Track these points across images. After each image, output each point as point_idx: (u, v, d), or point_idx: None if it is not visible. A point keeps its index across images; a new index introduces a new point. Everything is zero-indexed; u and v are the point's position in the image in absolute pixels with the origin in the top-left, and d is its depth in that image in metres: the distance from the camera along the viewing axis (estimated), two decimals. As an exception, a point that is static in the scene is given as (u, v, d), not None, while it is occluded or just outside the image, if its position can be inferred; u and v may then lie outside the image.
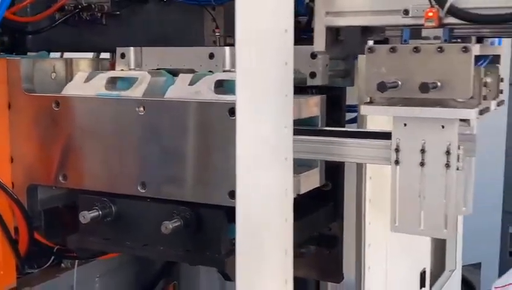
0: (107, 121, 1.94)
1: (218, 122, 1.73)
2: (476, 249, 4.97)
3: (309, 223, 2.41)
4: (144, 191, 1.89)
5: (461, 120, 1.86)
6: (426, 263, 3.01)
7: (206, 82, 1.87)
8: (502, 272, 4.50)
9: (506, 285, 3.63)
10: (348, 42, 1.69)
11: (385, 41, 1.78)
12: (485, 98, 1.61)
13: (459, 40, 1.58)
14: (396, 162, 1.68)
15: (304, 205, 2.37)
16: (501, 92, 1.80)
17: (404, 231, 1.71)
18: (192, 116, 1.78)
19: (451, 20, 1.56)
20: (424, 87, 1.47)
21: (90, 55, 2.85)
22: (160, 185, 1.87)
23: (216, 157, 1.76)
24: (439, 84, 1.51)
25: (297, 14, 2.38)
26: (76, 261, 2.50)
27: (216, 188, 1.78)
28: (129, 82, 2.03)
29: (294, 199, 2.21)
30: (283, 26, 1.55)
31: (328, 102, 2.16)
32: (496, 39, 1.87)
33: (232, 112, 1.65)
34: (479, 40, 1.68)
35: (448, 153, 1.61)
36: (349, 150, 1.76)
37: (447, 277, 3.69)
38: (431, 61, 1.53)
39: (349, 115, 2.35)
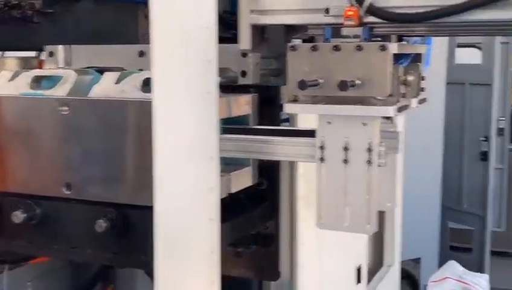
0: (30, 121, 1.89)
1: (143, 121, 1.70)
2: (416, 244, 5.09)
3: (245, 222, 2.41)
4: (68, 192, 1.85)
5: (385, 118, 1.90)
6: (362, 259, 3.05)
7: (132, 80, 1.85)
8: (441, 266, 4.63)
9: (442, 279, 3.74)
10: (273, 41, 1.70)
11: (311, 40, 1.79)
12: (404, 95, 1.64)
13: (378, 38, 1.61)
14: (321, 159, 1.69)
15: (240, 204, 2.38)
16: (422, 90, 1.83)
17: (329, 228, 1.73)
18: (117, 115, 1.75)
19: (370, 19, 1.58)
20: (343, 85, 1.49)
21: (24, 54, 2.78)
22: (86, 186, 1.84)
23: (142, 157, 1.73)
24: (358, 82, 1.53)
25: (232, 12, 2.39)
26: (7, 265, 2.44)
27: (142, 188, 1.75)
28: (54, 81, 1.99)
29: (230, 198, 2.22)
30: (205, 24, 1.54)
31: (263, 101, 2.16)
32: (419, 38, 1.91)
33: None
34: (400, 39, 1.71)
35: (370, 150, 1.63)
36: (277, 148, 1.77)
37: (384, 272, 3.75)
38: (351, 60, 1.55)
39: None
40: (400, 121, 1.88)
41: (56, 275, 2.74)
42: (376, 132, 1.63)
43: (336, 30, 1.62)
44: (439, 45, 4.86)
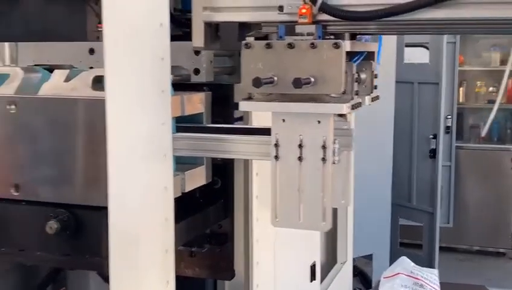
0: (-23, 120, 1.83)
1: (94, 119, 1.66)
2: (368, 241, 5.17)
3: (198, 221, 2.39)
4: (17, 194, 1.79)
5: (338, 115, 1.92)
6: (316, 256, 3.07)
7: (82, 78, 1.79)
8: (392, 262, 4.71)
9: (394, 274, 3.80)
10: (225, 38, 1.69)
11: (266, 37, 1.78)
12: (357, 93, 1.66)
13: (332, 36, 1.62)
14: (276, 157, 1.69)
15: (193, 203, 2.36)
16: (375, 87, 1.86)
17: (284, 226, 1.73)
18: (67, 114, 1.71)
19: (323, 17, 1.59)
20: (297, 83, 1.49)
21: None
22: (35, 187, 1.78)
23: (94, 156, 1.69)
24: (312, 79, 1.53)
25: (183, 9, 2.37)
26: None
27: (95, 188, 1.71)
28: (1, 79, 1.92)
29: (183, 197, 2.20)
30: (158, 21, 1.52)
31: (217, 99, 2.15)
32: (369, 36, 1.93)
33: None
34: (353, 37, 1.73)
35: (324, 147, 1.64)
36: (231, 147, 1.76)
37: (338, 269, 3.80)
38: (305, 57, 1.55)
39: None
40: (351, 118, 1.89)
41: (3, 279, 2.65)
42: (330, 130, 1.64)
43: (290, 28, 1.62)
44: (388, 44, 4.94)
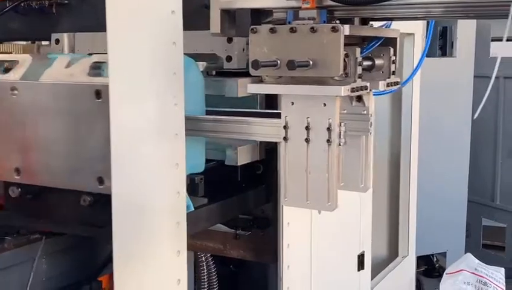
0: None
1: (83, 105, 1.70)
2: (443, 238, 5.06)
3: (237, 203, 2.50)
4: (18, 177, 1.87)
5: (357, 100, 1.95)
6: (366, 247, 3.08)
7: (81, 64, 1.83)
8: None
9: (457, 271, 3.72)
10: (241, 25, 1.77)
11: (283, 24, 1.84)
12: (360, 76, 1.68)
13: (337, 21, 1.65)
14: (285, 138, 1.76)
15: (234, 186, 2.47)
16: (393, 73, 1.87)
17: (293, 205, 1.79)
18: (60, 100, 1.76)
19: (328, 2, 1.63)
20: (291, 65, 1.55)
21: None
22: (34, 171, 1.84)
23: (83, 141, 1.72)
24: (311, 62, 1.58)
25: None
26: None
27: (83, 174, 1.74)
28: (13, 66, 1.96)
29: (224, 179, 2.31)
30: (170, 8, 1.64)
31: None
32: (391, 22, 1.94)
33: (98, 94, 1.64)
34: (364, 22, 1.76)
35: (329, 129, 1.69)
36: (243, 128, 1.85)
37: (398, 262, 3.77)
38: (306, 41, 1.60)
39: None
40: (371, 103, 1.91)
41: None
42: (335, 112, 1.68)
43: (297, 14, 1.67)
44: (464, 38, 4.81)
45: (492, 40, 5.55)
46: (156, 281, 1.64)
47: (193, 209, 2.04)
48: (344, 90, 1.60)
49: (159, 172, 1.63)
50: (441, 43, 5.38)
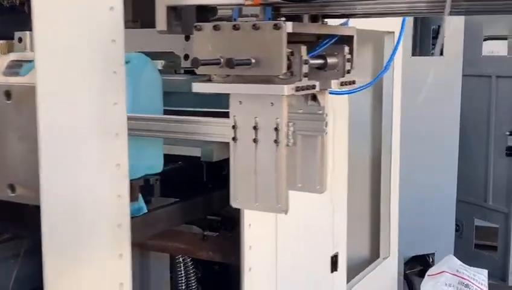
0: None
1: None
2: (430, 239, 5.01)
3: (201, 203, 2.47)
4: None
5: (312, 100, 1.90)
6: (340, 248, 3.03)
7: None
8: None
9: (439, 272, 3.67)
10: (187, 22, 1.73)
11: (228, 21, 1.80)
12: (306, 75, 1.63)
13: (283, 18, 1.61)
14: (234, 139, 1.71)
15: (199, 187, 2.43)
16: (348, 72, 1.82)
17: (242, 207, 1.76)
18: None
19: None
20: (229, 63, 1.51)
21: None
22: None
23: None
24: (253, 60, 1.54)
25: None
26: None
27: None
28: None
29: (190, 180, 2.27)
30: (108, 4, 1.60)
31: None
32: (348, 20, 1.89)
33: (8, 95, 1.58)
34: (314, 19, 1.71)
35: (276, 129, 1.64)
36: (192, 128, 1.81)
37: (378, 263, 3.72)
38: (249, 39, 1.56)
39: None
40: (326, 103, 1.86)
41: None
42: (283, 112, 1.64)
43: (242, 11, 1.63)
44: (453, 37, 4.76)
45: (485, 40, 5.49)
46: (95, 286, 1.60)
47: (146, 211, 2.01)
48: (288, 89, 1.55)
49: (97, 173, 1.58)
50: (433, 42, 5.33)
